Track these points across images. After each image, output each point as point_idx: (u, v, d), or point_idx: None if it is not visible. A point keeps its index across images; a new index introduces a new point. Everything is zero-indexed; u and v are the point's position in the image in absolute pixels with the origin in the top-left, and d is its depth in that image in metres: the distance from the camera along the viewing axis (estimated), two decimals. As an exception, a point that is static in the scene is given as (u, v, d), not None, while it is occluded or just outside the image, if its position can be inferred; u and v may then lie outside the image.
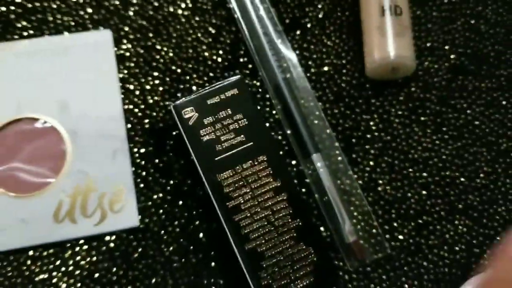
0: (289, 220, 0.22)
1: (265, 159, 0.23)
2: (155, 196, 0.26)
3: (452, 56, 0.29)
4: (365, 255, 0.25)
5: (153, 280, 0.25)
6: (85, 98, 0.26)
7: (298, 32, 0.29)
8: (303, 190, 0.26)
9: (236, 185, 0.22)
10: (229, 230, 0.22)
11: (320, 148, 0.26)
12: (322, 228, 0.26)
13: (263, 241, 0.22)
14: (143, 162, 0.26)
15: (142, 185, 0.26)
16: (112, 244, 0.25)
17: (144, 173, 0.26)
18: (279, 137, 0.27)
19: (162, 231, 0.25)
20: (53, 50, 0.27)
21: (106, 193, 0.25)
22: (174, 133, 0.26)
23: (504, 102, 0.28)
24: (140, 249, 0.25)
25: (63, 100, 0.26)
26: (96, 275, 0.24)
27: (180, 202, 0.26)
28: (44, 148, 0.26)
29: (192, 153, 0.22)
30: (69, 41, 0.27)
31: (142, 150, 0.26)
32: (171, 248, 0.25)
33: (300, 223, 0.22)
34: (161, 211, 0.25)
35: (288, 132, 0.26)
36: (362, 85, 0.28)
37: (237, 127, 0.23)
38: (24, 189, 0.25)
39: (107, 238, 0.25)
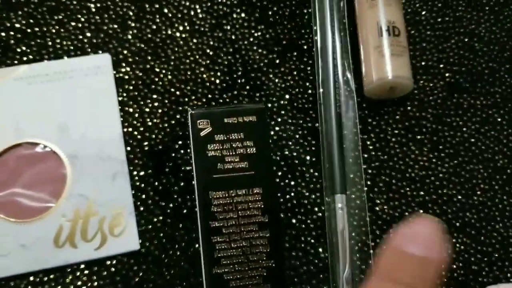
0: (264, 258, 0.23)
1: (260, 192, 0.23)
2: (155, 219, 0.26)
3: (447, 74, 0.29)
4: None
5: (154, 303, 0.25)
6: (84, 121, 0.27)
7: (295, 53, 0.29)
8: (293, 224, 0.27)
9: (225, 207, 0.23)
10: (203, 249, 0.22)
11: (347, 189, 0.26)
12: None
13: (232, 270, 0.22)
14: (142, 185, 0.26)
15: (142, 208, 0.26)
16: (113, 269, 0.25)
17: (144, 196, 0.26)
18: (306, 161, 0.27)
19: (163, 255, 0.25)
20: (52, 74, 0.27)
21: (106, 216, 0.26)
22: (173, 154, 0.27)
23: (499, 119, 0.29)
24: (141, 273, 0.25)
25: (63, 124, 0.27)
26: (98, 299, 0.25)
27: (180, 225, 0.26)
28: (44, 172, 0.26)
29: (193, 163, 0.23)
30: (68, 66, 0.28)
31: (142, 173, 0.27)
32: (172, 272, 0.25)
33: (273, 265, 0.23)
34: (161, 234, 0.26)
35: (324, 164, 0.26)
36: (359, 104, 0.28)
37: (244, 153, 0.23)
38: (25, 214, 0.25)
39: (108, 262, 0.25)
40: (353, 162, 0.27)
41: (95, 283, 0.25)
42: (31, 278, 0.25)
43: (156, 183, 0.26)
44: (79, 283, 0.25)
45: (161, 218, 0.26)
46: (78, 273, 0.25)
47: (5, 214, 0.25)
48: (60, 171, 0.26)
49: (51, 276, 0.25)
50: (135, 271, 0.25)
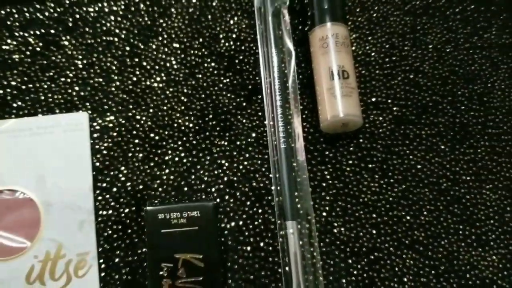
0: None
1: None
2: (119, 266, 0.31)
3: (394, 108, 0.35)
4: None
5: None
6: (60, 173, 0.32)
7: (259, 96, 0.35)
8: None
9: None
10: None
11: (297, 215, 0.31)
12: None
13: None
14: (106, 234, 0.32)
15: (104, 255, 0.31)
16: None
17: (107, 246, 0.31)
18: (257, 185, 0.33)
19: None
20: (35, 129, 0.32)
21: (72, 259, 0.30)
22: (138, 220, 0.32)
23: (442, 147, 0.34)
24: None
25: (40, 174, 0.32)
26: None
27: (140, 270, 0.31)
28: (21, 217, 0.31)
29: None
30: (50, 122, 0.33)
31: (110, 222, 0.32)
32: None
33: None
34: (120, 282, 0.31)
35: (276, 197, 0.32)
36: (317, 139, 0.34)
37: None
38: (2, 253, 0.30)
39: None
40: (305, 193, 0.32)
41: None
42: None
43: (121, 233, 0.32)
44: None
45: (122, 266, 0.31)
46: None
47: None
48: (35, 217, 0.31)
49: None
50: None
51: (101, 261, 0.31)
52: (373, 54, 0.36)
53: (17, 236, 0.31)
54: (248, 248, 0.31)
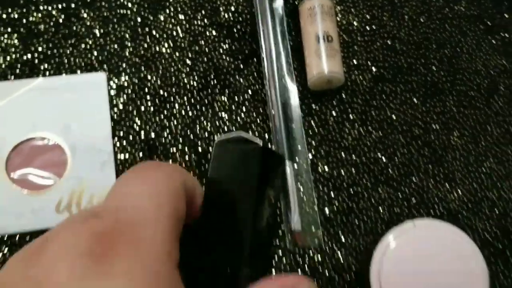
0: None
1: None
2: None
3: (373, 69, 0.47)
4: (303, 244, 0.42)
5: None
6: (83, 122, 0.44)
7: (254, 59, 0.47)
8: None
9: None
10: None
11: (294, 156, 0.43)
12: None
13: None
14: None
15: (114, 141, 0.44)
16: None
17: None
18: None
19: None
20: (60, 87, 0.45)
21: (95, 194, 0.43)
22: (160, 144, 0.45)
23: (415, 101, 0.46)
24: None
25: (67, 123, 0.44)
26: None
27: None
28: (51, 159, 0.43)
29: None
30: (73, 80, 0.45)
31: (129, 162, 0.44)
32: None
33: None
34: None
35: (273, 141, 0.44)
36: (305, 95, 0.46)
37: None
38: (35, 188, 0.42)
39: None
40: (299, 138, 0.44)
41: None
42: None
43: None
44: None
45: None
46: None
47: (21, 187, 0.42)
48: (62, 158, 0.43)
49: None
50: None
51: (115, 149, 0.43)
52: (355, 23, 0.49)
53: (46, 174, 0.43)
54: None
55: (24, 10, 0.48)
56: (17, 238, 0.42)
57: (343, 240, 0.42)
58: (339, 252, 0.42)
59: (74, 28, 0.48)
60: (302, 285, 0.26)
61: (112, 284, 0.21)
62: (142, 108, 0.45)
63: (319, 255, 0.42)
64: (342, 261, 0.42)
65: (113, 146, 0.44)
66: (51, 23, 0.48)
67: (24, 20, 0.48)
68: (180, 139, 0.45)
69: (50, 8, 0.48)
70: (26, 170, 0.43)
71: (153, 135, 0.45)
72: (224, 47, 0.48)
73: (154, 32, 0.48)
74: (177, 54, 0.47)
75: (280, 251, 0.42)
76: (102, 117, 0.45)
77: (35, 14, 0.48)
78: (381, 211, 0.43)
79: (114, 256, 0.22)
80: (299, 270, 0.41)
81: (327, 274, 0.41)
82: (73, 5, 0.48)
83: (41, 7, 0.48)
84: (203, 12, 0.48)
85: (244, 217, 0.31)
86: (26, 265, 0.23)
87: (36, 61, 0.46)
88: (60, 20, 0.48)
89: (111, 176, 0.43)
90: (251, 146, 0.35)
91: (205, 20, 0.48)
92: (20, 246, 0.41)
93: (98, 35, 0.47)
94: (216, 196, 0.32)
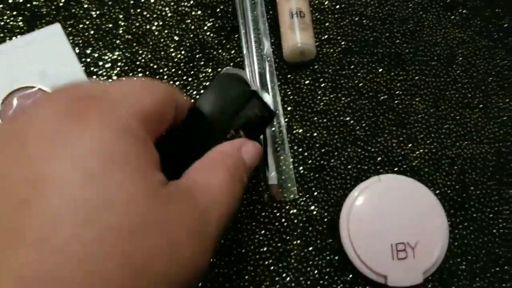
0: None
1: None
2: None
3: (342, 43, 0.45)
4: (280, 198, 0.40)
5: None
6: (55, 66, 0.42)
7: (236, 36, 0.45)
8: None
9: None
10: None
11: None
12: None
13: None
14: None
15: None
16: None
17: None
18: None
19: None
20: (24, 44, 0.43)
21: None
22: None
23: (380, 70, 0.44)
24: None
25: (41, 71, 0.42)
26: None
27: None
28: None
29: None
30: (34, 35, 0.44)
31: None
32: None
33: None
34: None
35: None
36: (281, 66, 0.44)
37: None
38: None
39: None
40: (275, 103, 0.42)
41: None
42: None
43: None
44: None
45: None
46: None
47: None
48: None
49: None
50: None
51: None
52: (326, 2, 0.46)
53: None
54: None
55: (29, -5, 0.46)
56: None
57: (315, 194, 0.40)
58: (312, 206, 0.40)
59: (73, 10, 0.45)
60: (247, 144, 0.30)
61: (86, 129, 0.21)
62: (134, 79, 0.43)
63: (294, 209, 0.40)
64: (315, 214, 0.39)
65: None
66: (53, 7, 0.45)
67: (28, 4, 0.45)
68: (168, 106, 0.42)
69: (52, -7, 0.46)
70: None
71: (143, 103, 0.42)
72: (208, 25, 0.45)
73: (145, 13, 0.45)
74: (165, 31, 0.45)
75: (258, 205, 0.40)
76: (69, 57, 0.43)
77: (38, -2, 0.46)
78: (350, 168, 0.41)
79: (89, 112, 0.21)
80: (276, 222, 0.39)
81: (301, 225, 0.39)
82: (72, -10, 0.46)
83: (44, -7, 0.46)
84: (189, -6, 0.46)
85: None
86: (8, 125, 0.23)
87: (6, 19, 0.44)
88: (61, 4, 0.46)
89: None
90: (247, 88, 0.33)
91: (191, 1, 0.46)
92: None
93: (94, 16, 0.45)
94: (197, 118, 0.31)
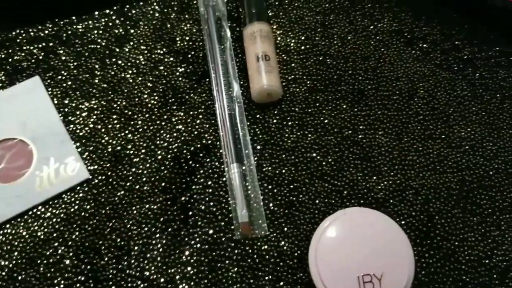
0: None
1: None
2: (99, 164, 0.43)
3: (308, 82, 0.47)
4: (251, 235, 0.41)
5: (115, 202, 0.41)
6: (34, 117, 0.44)
7: (207, 80, 0.47)
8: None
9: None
10: None
11: (242, 159, 0.43)
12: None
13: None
14: (94, 168, 0.44)
15: (85, 155, 0.43)
16: (81, 194, 0.42)
17: (99, 177, 0.44)
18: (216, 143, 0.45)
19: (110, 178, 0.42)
20: (7, 97, 0.46)
21: (63, 164, 0.43)
22: (125, 151, 0.44)
23: (344, 106, 0.46)
24: (95, 192, 0.42)
25: (22, 122, 0.44)
26: (72, 212, 0.41)
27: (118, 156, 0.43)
28: (19, 151, 0.43)
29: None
30: (15, 89, 0.46)
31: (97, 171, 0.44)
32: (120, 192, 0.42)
33: None
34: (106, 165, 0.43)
35: (224, 143, 0.44)
36: (250, 106, 0.46)
37: None
38: (14, 178, 0.42)
39: (78, 189, 0.42)
40: (246, 143, 0.44)
41: (74, 204, 0.42)
42: (30, 213, 0.42)
43: (109, 166, 0.44)
44: (63, 204, 0.41)
45: (104, 157, 0.43)
46: (59, 200, 0.42)
47: (3, 182, 0.42)
48: (28, 148, 0.43)
49: (42, 209, 0.42)
50: (92, 192, 0.42)
51: (86, 163, 0.43)
52: (292, 44, 0.49)
53: (19, 164, 0.43)
54: (199, 186, 0.43)
55: (10, 51, 0.48)
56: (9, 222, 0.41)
57: (285, 230, 0.42)
58: (282, 241, 0.41)
59: (52, 63, 0.48)
60: None
61: None
62: (110, 126, 0.45)
63: (265, 245, 0.41)
64: (285, 248, 0.41)
65: (65, 128, 0.44)
66: (33, 60, 0.48)
67: (10, 59, 0.48)
68: (142, 150, 0.44)
69: (31, 47, 0.48)
70: (1, 166, 0.43)
71: (119, 148, 0.44)
72: (180, 71, 0.48)
73: (120, 62, 0.48)
74: (139, 78, 0.47)
75: (231, 243, 0.41)
76: (47, 108, 0.45)
77: (19, 53, 0.48)
78: (318, 202, 0.42)
79: None
80: (248, 259, 0.41)
81: (272, 260, 0.41)
82: (51, 44, 0.49)
83: (24, 47, 0.48)
84: (162, 42, 0.49)
85: None
86: None
87: None
88: (40, 57, 0.48)
89: (71, 148, 0.44)
90: None
91: (164, 49, 0.48)
92: (15, 227, 0.41)
93: (72, 67, 0.48)
94: None
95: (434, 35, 0.49)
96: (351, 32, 0.49)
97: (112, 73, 0.47)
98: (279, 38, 0.49)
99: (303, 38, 0.49)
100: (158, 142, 0.44)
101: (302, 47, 0.48)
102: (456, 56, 0.48)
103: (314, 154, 0.44)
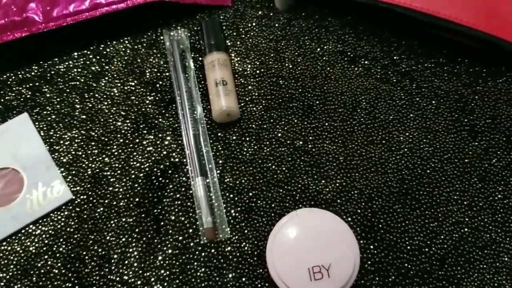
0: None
1: None
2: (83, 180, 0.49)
3: (263, 102, 0.54)
4: (216, 239, 0.47)
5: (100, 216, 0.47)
6: (24, 148, 0.51)
7: (174, 105, 0.54)
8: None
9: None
10: None
11: (206, 173, 0.49)
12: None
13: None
14: (76, 189, 0.50)
15: (69, 178, 0.49)
16: (66, 212, 0.48)
17: (82, 197, 0.50)
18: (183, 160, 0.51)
19: (91, 198, 0.48)
20: (3, 133, 0.52)
21: (49, 187, 0.49)
22: (105, 173, 0.51)
23: (295, 120, 0.52)
24: (78, 210, 0.48)
25: (14, 154, 0.50)
26: (58, 228, 0.47)
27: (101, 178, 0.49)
28: (11, 178, 0.49)
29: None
30: (8, 125, 0.52)
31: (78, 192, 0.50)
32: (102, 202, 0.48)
33: None
34: (88, 186, 0.49)
35: (189, 159, 0.50)
36: (213, 126, 0.53)
37: None
38: (9, 202, 0.48)
39: (64, 208, 0.48)
40: (209, 159, 0.50)
41: (57, 220, 0.48)
42: (23, 231, 0.48)
43: (90, 186, 0.50)
44: (51, 222, 0.48)
45: (85, 179, 0.49)
46: (48, 219, 0.48)
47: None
48: (20, 176, 0.49)
49: (33, 228, 0.48)
50: (76, 211, 0.48)
51: (69, 185, 0.49)
52: (248, 69, 0.55)
53: (12, 190, 0.49)
54: (169, 199, 0.49)
55: (2, 92, 0.55)
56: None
57: (246, 232, 0.47)
58: (244, 242, 0.47)
59: (38, 100, 0.54)
60: None
61: None
62: (89, 152, 0.52)
63: (229, 247, 0.47)
64: (246, 249, 0.47)
65: (50, 156, 0.50)
66: (21, 99, 0.55)
67: (2, 99, 0.55)
68: (118, 170, 0.51)
69: (20, 88, 0.55)
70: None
71: (97, 170, 0.51)
72: (150, 99, 0.54)
73: (96, 95, 0.54)
74: (114, 108, 0.54)
75: (199, 247, 0.47)
76: (35, 140, 0.51)
77: (9, 94, 0.55)
78: (274, 206, 0.48)
79: None
80: (214, 260, 0.46)
81: (235, 259, 0.46)
82: (37, 84, 0.55)
83: (14, 88, 0.55)
84: (133, 75, 0.55)
85: None
86: None
87: None
88: (28, 96, 0.55)
89: (56, 173, 0.50)
90: None
91: (135, 81, 0.55)
92: (10, 243, 0.47)
93: (55, 102, 0.54)
94: None
95: (375, 52, 0.55)
96: (300, 55, 0.55)
97: (90, 105, 0.54)
98: (237, 65, 0.55)
99: (258, 63, 0.55)
100: (131, 163, 0.51)
101: (258, 71, 0.55)
102: (394, 70, 0.54)
103: (270, 164, 0.50)
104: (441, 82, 0.54)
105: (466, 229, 0.47)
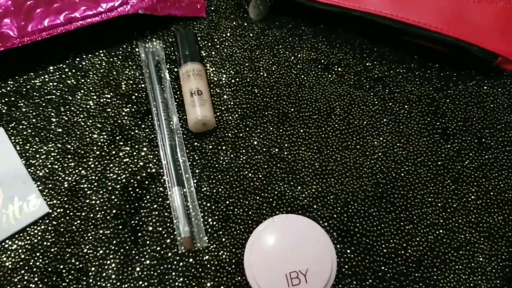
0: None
1: None
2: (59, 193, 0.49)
3: (239, 111, 0.54)
4: (194, 248, 0.47)
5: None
6: (1, 165, 0.50)
7: (149, 117, 0.54)
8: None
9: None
10: None
11: (183, 182, 0.50)
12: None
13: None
14: (52, 203, 0.50)
15: (45, 192, 0.49)
16: (42, 226, 0.48)
17: (59, 210, 0.50)
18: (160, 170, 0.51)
19: (68, 210, 0.48)
20: None
21: (25, 202, 0.48)
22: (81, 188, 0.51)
23: (271, 128, 0.53)
24: (55, 224, 0.48)
25: None
26: (35, 242, 0.47)
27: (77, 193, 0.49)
28: None
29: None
30: None
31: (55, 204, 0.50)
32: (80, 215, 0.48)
33: None
34: (64, 199, 0.49)
35: (166, 169, 0.51)
36: (189, 136, 0.53)
37: None
38: None
39: (40, 222, 0.48)
40: (186, 168, 0.51)
41: (37, 235, 0.47)
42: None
43: (67, 199, 0.50)
44: (28, 236, 0.47)
45: (62, 192, 0.49)
46: (24, 233, 0.48)
47: None
48: None
49: (9, 243, 0.47)
50: (52, 224, 0.48)
51: (46, 199, 0.49)
52: (223, 79, 0.56)
53: None
54: (146, 210, 0.49)
55: (-24, 107, 0.55)
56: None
57: (224, 240, 0.48)
58: (222, 251, 0.47)
59: (14, 115, 0.54)
60: None
61: None
62: (65, 165, 0.52)
63: (206, 255, 0.47)
64: (224, 257, 0.47)
65: (26, 170, 0.50)
66: (-4, 113, 0.55)
67: (-24, 114, 0.55)
68: (95, 183, 0.51)
69: (-5, 102, 0.55)
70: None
71: (74, 183, 0.51)
72: (126, 110, 0.54)
73: (72, 108, 0.55)
74: (90, 121, 0.54)
75: (177, 256, 0.47)
76: (11, 154, 0.51)
77: (-16, 108, 0.55)
78: (251, 214, 0.49)
79: None
80: (192, 269, 0.46)
81: (213, 268, 0.46)
82: (13, 98, 0.55)
83: (-12, 103, 0.55)
84: (109, 87, 0.56)
85: None
86: None
87: (-15, 142, 0.53)
88: (4, 111, 0.55)
89: (32, 187, 0.50)
90: None
91: (111, 93, 0.55)
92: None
93: (31, 117, 0.54)
94: None
95: (347, 59, 0.56)
96: (275, 63, 0.56)
97: (66, 118, 0.54)
98: (212, 75, 0.56)
99: (233, 72, 0.56)
100: (108, 175, 0.51)
101: (233, 80, 0.55)
102: (367, 76, 0.55)
103: (246, 172, 0.50)
104: (413, 87, 0.55)
105: (441, 231, 0.48)
